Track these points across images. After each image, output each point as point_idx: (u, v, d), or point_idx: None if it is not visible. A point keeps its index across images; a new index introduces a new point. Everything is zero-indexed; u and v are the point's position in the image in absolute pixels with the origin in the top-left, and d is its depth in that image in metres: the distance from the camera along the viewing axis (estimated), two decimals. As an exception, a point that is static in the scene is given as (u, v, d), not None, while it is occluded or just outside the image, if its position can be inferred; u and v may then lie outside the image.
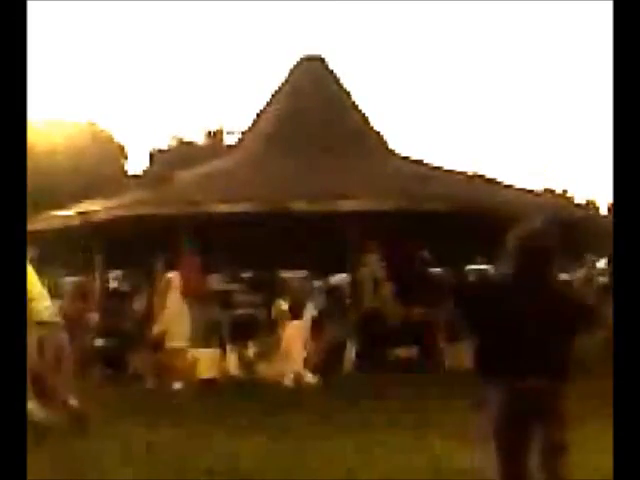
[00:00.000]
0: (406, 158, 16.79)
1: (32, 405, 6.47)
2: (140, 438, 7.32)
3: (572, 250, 14.29)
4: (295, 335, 11.43)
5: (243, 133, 18.27)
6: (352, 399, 9.41)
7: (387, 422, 8.04)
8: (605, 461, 4.42)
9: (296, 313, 12.16)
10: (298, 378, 11.01)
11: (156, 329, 11.21)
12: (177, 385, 10.82)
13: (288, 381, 10.96)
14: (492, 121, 78.42)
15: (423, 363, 11.78)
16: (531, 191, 18.53)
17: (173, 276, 11.46)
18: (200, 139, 44.05)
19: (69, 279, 14.90)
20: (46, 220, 14.59)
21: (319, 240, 13.42)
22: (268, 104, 16.81)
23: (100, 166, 36.03)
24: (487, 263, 16.41)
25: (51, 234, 13.86)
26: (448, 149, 71.56)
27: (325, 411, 8.71)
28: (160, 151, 42.43)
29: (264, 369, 11.46)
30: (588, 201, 40.89)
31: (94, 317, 12.79)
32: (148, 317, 11.80)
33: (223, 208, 12.58)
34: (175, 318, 11.17)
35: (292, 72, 16.87)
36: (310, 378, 11.06)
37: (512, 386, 4.04)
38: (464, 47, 77.71)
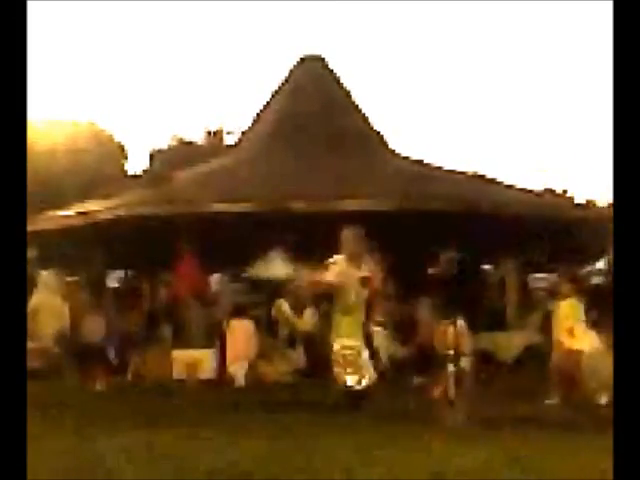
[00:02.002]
0: (407, 158, 16.79)
1: None
2: (140, 438, 7.31)
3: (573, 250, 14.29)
4: (238, 335, 11.23)
5: (243, 133, 18.26)
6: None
7: (387, 422, 8.04)
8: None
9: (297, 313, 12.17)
10: (232, 378, 10.91)
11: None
12: (99, 386, 10.59)
13: (239, 382, 10.82)
14: (492, 121, 78.22)
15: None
16: (531, 191, 18.53)
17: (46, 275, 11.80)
18: (200, 139, 43.96)
19: (70, 279, 14.89)
20: (46, 220, 14.59)
21: (319, 240, 13.40)
22: (268, 104, 16.81)
23: (100, 166, 35.96)
24: (488, 263, 16.37)
25: (51, 234, 13.85)
26: (448, 149, 71.44)
27: (325, 411, 8.71)
28: (160, 151, 42.30)
29: (264, 369, 11.44)
30: (588, 201, 40.83)
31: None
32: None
33: (223, 208, 12.59)
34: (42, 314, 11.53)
35: (292, 72, 16.87)
36: (240, 380, 10.88)
37: None
38: (464, 47, 77.51)
